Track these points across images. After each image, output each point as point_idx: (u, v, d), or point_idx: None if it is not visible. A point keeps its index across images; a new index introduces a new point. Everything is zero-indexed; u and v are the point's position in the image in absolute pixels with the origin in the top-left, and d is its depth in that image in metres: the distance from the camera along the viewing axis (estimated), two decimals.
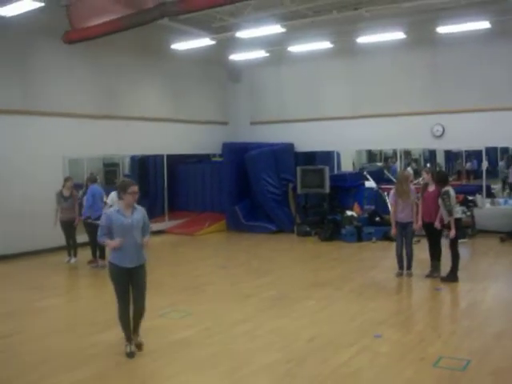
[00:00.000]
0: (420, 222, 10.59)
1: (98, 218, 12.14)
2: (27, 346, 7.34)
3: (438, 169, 17.18)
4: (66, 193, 12.66)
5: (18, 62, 13.79)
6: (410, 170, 17.97)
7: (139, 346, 6.83)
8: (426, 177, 10.76)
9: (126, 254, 6.60)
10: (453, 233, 9.98)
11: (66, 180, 12.82)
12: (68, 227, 12.71)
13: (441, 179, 10.38)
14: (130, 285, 6.70)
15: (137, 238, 6.66)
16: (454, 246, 10.20)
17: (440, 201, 10.05)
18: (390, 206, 11.83)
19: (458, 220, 10.19)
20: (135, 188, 6.69)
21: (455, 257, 10.23)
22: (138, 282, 6.72)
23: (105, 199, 12.34)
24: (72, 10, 12.61)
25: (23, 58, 13.89)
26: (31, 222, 13.75)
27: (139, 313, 6.79)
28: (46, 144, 14.23)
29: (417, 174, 18.57)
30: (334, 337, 7.39)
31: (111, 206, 11.78)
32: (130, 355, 6.69)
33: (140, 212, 6.79)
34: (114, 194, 11.99)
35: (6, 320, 8.52)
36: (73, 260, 12.88)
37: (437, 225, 10.25)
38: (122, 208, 6.70)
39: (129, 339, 6.79)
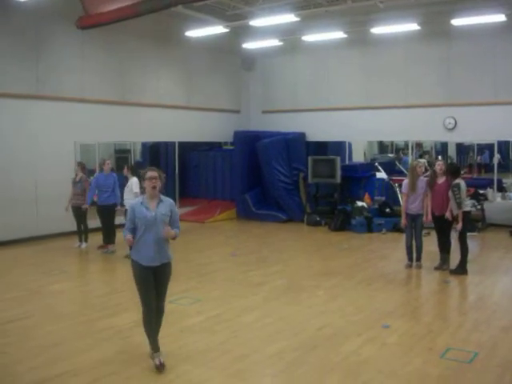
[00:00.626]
0: (430, 216, 10.59)
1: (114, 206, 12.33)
2: (39, 329, 7.42)
3: (449, 161, 17.14)
4: (77, 178, 12.77)
5: (31, 47, 13.82)
6: (423, 160, 17.82)
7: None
8: (441, 168, 10.64)
9: (147, 251, 6.00)
10: (460, 225, 9.99)
11: (77, 165, 12.98)
12: (78, 212, 12.80)
13: (452, 171, 10.36)
14: (153, 284, 6.09)
15: (160, 235, 6.01)
16: (462, 238, 10.21)
17: (450, 193, 10.05)
18: (401, 196, 11.84)
19: (466, 213, 10.17)
20: (153, 173, 6.04)
21: (464, 250, 10.24)
22: (159, 281, 6.12)
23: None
24: None
25: (36, 42, 13.93)
26: (43, 207, 13.85)
27: (158, 313, 6.19)
28: (58, 129, 14.29)
29: (429, 166, 18.59)
30: (342, 326, 7.44)
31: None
32: (160, 368, 5.95)
33: (166, 205, 6.12)
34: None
35: (17, 304, 8.60)
36: (83, 245, 12.97)
37: (448, 215, 10.22)
38: (145, 199, 6.11)
39: (155, 348, 6.11)
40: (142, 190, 6.32)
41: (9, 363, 6.25)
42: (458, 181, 10.07)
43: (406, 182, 10.91)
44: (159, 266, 6.10)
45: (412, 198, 10.63)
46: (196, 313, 7.94)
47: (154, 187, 6.04)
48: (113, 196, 12.36)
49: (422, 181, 10.71)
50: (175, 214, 6.23)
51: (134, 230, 6.06)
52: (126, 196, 11.73)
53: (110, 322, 7.65)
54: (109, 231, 12.54)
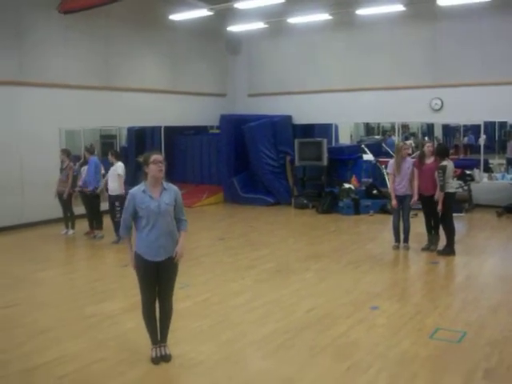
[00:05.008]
0: (416, 197, 10.57)
1: (94, 190, 12.22)
2: (25, 317, 7.37)
3: (436, 142, 17.16)
4: (64, 165, 12.68)
5: (12, 32, 13.57)
6: (409, 142, 17.76)
7: (166, 359, 5.82)
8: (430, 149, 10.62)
9: (152, 244, 5.57)
10: (440, 207, 10.02)
11: (62, 152, 12.88)
12: (63, 199, 12.70)
13: (440, 152, 10.36)
14: (156, 279, 5.74)
15: (166, 226, 5.60)
16: (447, 219, 10.23)
17: (436, 174, 10.04)
18: (387, 177, 11.83)
19: (451, 194, 10.18)
20: (159, 156, 5.60)
21: (450, 230, 10.26)
22: (165, 277, 5.74)
23: (102, 171, 12.25)
24: None
25: (18, 27, 13.67)
26: (28, 194, 13.71)
27: (165, 312, 5.85)
28: (42, 115, 14.09)
29: (416, 148, 18.60)
30: (331, 308, 7.45)
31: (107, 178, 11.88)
32: (156, 361, 5.75)
33: (171, 193, 5.65)
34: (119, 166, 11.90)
35: (3, 292, 8.52)
36: (70, 232, 12.88)
37: (437, 196, 10.19)
38: (147, 187, 5.62)
39: (154, 342, 5.86)
40: (144, 177, 5.70)
41: None
42: (445, 163, 10.07)
43: (391, 162, 10.91)
44: (165, 260, 5.66)
45: (398, 179, 10.62)
46: (184, 297, 7.87)
47: (161, 171, 5.57)
48: (93, 182, 12.23)
49: (409, 161, 10.69)
50: (180, 202, 5.75)
51: (131, 222, 5.69)
52: (110, 183, 11.69)
53: (98, 309, 7.60)
54: (95, 216, 12.44)
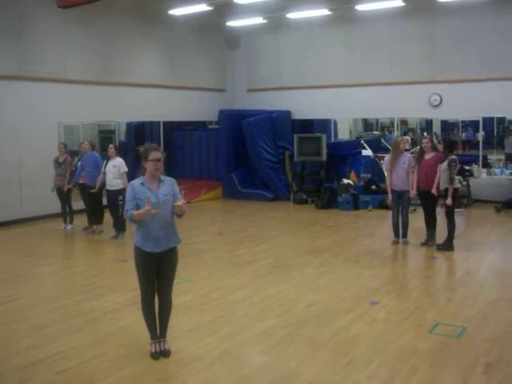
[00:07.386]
0: (415, 191, 10.57)
1: (95, 187, 12.17)
2: (25, 312, 7.36)
3: (434, 138, 17.15)
4: (60, 158, 12.64)
5: (12, 27, 13.52)
6: (407, 137, 17.80)
7: (165, 354, 5.83)
8: (428, 144, 10.61)
9: (152, 236, 5.58)
10: (449, 200, 9.96)
11: (62, 146, 12.82)
12: (62, 194, 12.67)
13: (448, 146, 10.29)
14: (156, 272, 5.72)
15: (165, 217, 5.60)
16: (450, 215, 10.21)
17: (445, 167, 9.94)
18: (385, 171, 11.84)
19: (455, 189, 10.17)
20: (158, 154, 5.56)
21: (451, 225, 10.24)
22: (165, 269, 5.74)
23: (103, 169, 12.13)
24: None
25: (18, 21, 13.62)
26: (26, 189, 13.68)
27: (164, 307, 5.85)
28: (41, 110, 14.06)
29: (414, 143, 18.64)
30: (331, 303, 7.45)
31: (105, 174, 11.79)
32: (155, 356, 5.75)
33: (168, 185, 5.68)
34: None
35: (3, 286, 8.51)
36: (69, 227, 12.84)
37: (434, 191, 10.20)
38: (146, 180, 5.64)
39: (154, 337, 5.87)
40: (143, 170, 5.74)
41: None
42: (454, 156, 10.01)
43: (387, 157, 10.93)
44: (165, 251, 5.68)
45: (396, 175, 10.61)
46: (183, 292, 7.87)
47: (158, 169, 5.59)
48: (94, 176, 12.15)
49: (406, 156, 10.67)
50: (177, 192, 5.72)
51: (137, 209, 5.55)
52: (112, 178, 11.58)
53: (97, 304, 7.59)
54: (96, 211, 12.38)
